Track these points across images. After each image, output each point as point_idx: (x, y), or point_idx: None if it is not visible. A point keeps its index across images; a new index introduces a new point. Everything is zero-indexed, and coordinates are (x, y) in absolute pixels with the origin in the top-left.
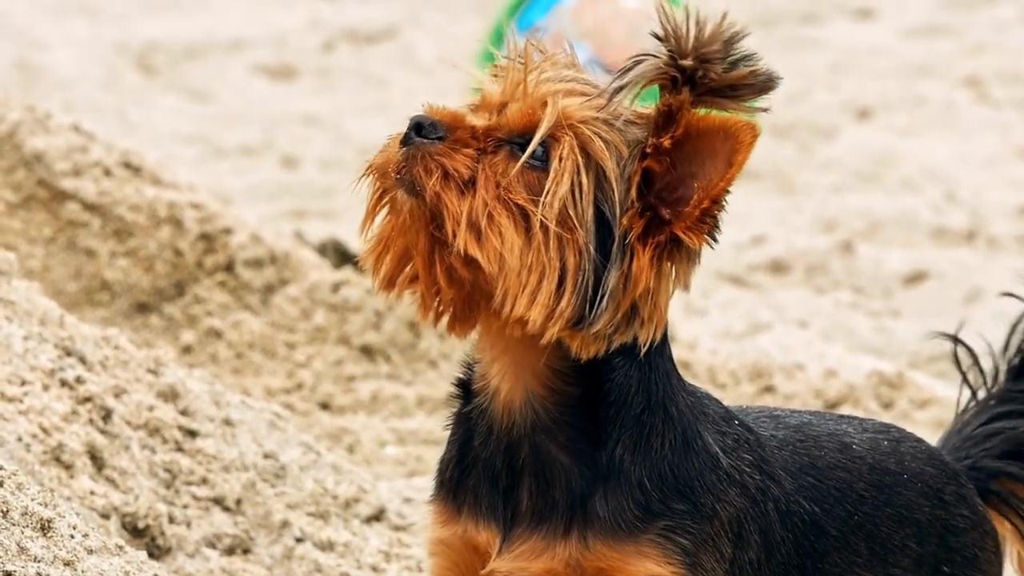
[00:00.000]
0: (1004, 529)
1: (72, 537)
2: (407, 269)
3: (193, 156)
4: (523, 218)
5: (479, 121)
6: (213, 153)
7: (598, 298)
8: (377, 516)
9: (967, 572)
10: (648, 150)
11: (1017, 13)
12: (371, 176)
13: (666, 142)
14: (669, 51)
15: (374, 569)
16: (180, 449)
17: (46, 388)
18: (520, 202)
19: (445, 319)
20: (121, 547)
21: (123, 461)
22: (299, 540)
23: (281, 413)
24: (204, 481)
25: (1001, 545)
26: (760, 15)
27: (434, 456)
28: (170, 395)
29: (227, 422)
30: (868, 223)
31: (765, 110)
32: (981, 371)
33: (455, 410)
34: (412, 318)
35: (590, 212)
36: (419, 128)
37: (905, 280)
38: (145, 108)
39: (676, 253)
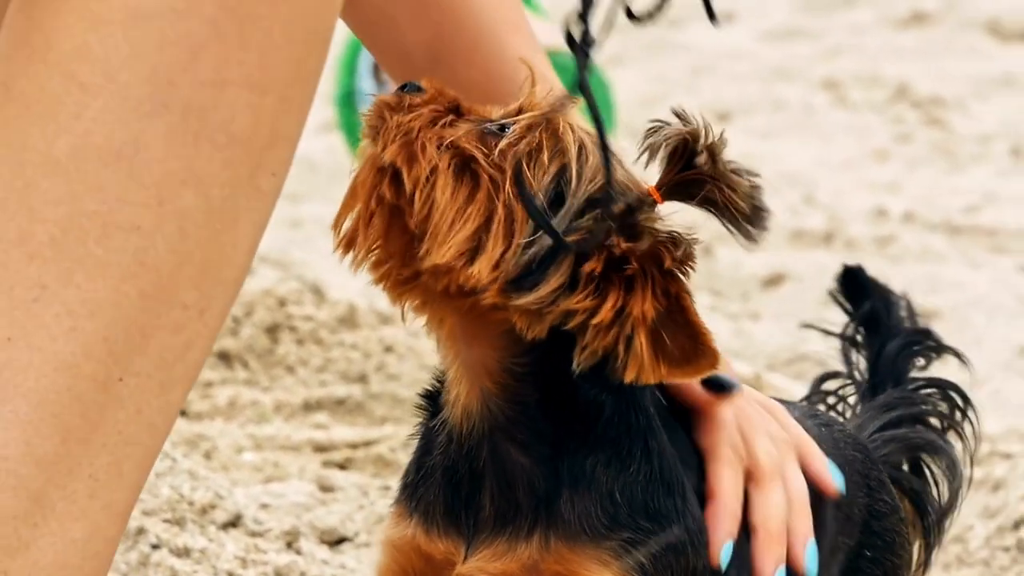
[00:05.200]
0: None
1: None
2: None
3: None
4: (465, 162)
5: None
6: None
7: (545, 266)
8: (233, 522)
9: (886, 555)
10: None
11: (874, 16)
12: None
13: (649, 309)
14: (690, 130)
15: (230, 575)
16: None
17: None
18: (466, 146)
19: (380, 268)
20: None
21: None
22: (155, 547)
23: None
24: None
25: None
26: (622, 17)
27: (291, 462)
28: None
29: None
30: None
31: (751, 241)
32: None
33: (420, 421)
34: (270, 324)
35: (546, 180)
36: (403, 87)
37: (763, 282)
38: None
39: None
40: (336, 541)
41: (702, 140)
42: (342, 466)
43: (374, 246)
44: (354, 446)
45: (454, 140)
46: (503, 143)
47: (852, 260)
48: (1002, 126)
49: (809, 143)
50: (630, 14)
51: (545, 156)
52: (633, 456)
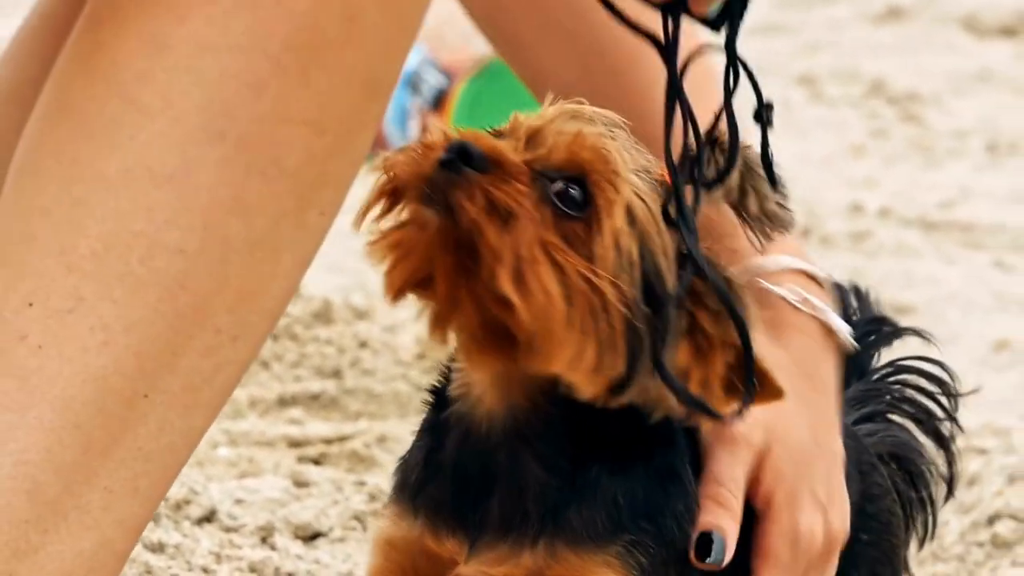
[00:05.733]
0: None
1: None
2: (421, 278)
3: None
4: (561, 270)
5: (519, 155)
6: None
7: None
8: (208, 517)
9: (883, 536)
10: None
11: (851, 11)
12: (386, 172)
13: (721, 366)
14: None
15: (204, 570)
16: None
17: None
18: (559, 253)
19: (458, 342)
20: None
21: None
22: None
23: None
24: None
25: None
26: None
27: (266, 457)
28: None
29: None
30: None
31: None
32: None
33: (426, 417)
34: None
35: (636, 274)
36: (465, 156)
37: None
38: None
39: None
40: (310, 536)
41: (745, 181)
42: (317, 461)
43: (454, 329)
44: (328, 441)
45: (551, 246)
46: (598, 251)
47: (828, 256)
48: (978, 122)
49: (786, 139)
50: (705, 184)
51: (633, 250)
52: (643, 466)
